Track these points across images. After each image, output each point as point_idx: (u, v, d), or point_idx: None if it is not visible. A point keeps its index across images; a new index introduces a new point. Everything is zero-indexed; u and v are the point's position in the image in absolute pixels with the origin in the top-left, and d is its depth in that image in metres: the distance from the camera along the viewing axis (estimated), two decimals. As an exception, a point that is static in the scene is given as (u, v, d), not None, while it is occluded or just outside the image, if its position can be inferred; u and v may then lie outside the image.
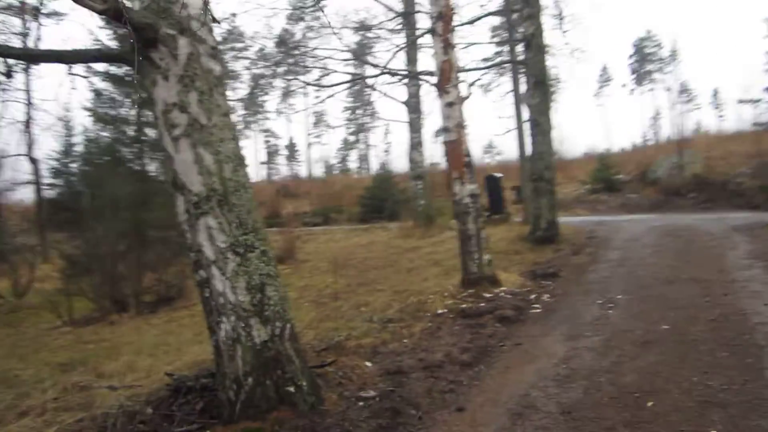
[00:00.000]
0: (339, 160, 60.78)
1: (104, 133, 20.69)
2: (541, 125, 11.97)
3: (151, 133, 19.01)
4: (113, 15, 3.77)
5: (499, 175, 18.15)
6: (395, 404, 3.99)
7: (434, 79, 8.20)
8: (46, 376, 4.92)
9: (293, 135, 64.90)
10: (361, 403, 4.04)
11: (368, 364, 4.89)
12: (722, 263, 8.25)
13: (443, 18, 7.83)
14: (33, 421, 3.69)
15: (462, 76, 10.95)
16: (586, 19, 50.85)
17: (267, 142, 66.02)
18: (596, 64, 64.50)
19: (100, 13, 3.78)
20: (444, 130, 7.94)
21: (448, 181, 8.07)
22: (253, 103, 60.64)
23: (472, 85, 10.68)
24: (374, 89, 14.42)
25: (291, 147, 65.33)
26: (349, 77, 16.85)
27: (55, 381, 4.56)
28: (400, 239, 15.13)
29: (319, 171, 53.93)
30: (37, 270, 12.78)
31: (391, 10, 14.36)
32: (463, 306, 6.66)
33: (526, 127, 12.67)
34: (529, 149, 12.68)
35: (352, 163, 61.98)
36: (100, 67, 18.40)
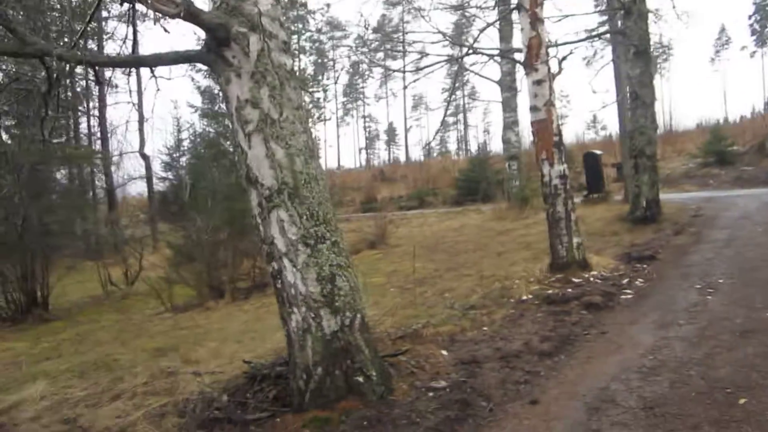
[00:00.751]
0: (437, 142, 60.72)
1: (209, 128, 21.84)
2: (641, 97, 11.30)
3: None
4: (186, 17, 3.91)
5: (598, 152, 17.36)
6: (466, 395, 3.93)
7: (522, 56, 7.92)
8: (140, 360, 5.24)
9: (393, 119, 65.31)
10: (431, 394, 4.02)
11: (444, 352, 4.85)
12: None
13: (530, -8, 7.55)
14: (124, 404, 3.96)
15: (553, 51, 10.48)
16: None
17: (367, 127, 67.13)
18: (713, 26, 60.29)
19: (173, 16, 3.93)
20: (532, 108, 7.67)
21: (537, 161, 7.79)
22: (353, 90, 61.80)
23: (563, 60, 10.16)
24: (466, 69, 14.09)
25: (390, 131, 65.96)
26: (444, 59, 16.62)
27: (147, 366, 4.85)
28: (493, 221, 14.88)
29: (418, 154, 54.08)
30: (146, 260, 13.63)
31: None
32: (549, 292, 6.44)
33: (628, 100, 11.94)
34: (630, 124, 11.99)
35: (451, 145, 61.70)
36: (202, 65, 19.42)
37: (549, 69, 7.59)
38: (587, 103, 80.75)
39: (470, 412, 3.76)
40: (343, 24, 48.73)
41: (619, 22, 13.44)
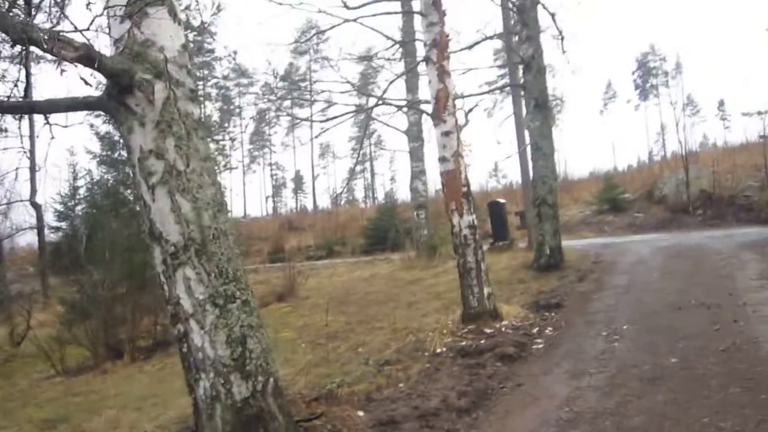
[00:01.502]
0: (345, 191, 60.82)
1: (108, 176, 20.76)
2: (542, 149, 11.79)
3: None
4: (86, 62, 3.65)
5: (502, 200, 17.93)
6: (386, 460, 3.77)
7: (430, 108, 8.06)
8: (25, 436, 4.72)
9: (300, 167, 65.06)
10: (350, 460, 3.82)
11: (360, 413, 4.66)
12: (732, 285, 7.98)
13: (438, 45, 7.73)
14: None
15: (459, 103, 10.80)
16: (587, 35, 51.27)
17: (274, 175, 66.47)
18: (600, 81, 64.78)
19: (71, 60, 3.66)
20: (441, 159, 7.78)
21: (446, 211, 7.87)
22: (259, 137, 61.21)
23: (470, 111, 10.49)
24: (375, 119, 14.25)
25: (298, 179, 65.58)
26: (351, 108, 16.75)
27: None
28: (403, 271, 14.91)
29: (325, 202, 53.96)
30: (35, 318, 12.61)
31: (389, 38, 14.27)
32: (463, 344, 6.42)
33: (529, 151, 12.44)
34: (531, 173, 12.48)
35: (359, 193, 62.05)
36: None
37: (456, 120, 7.76)
38: (489, 153, 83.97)
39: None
40: (251, 71, 48.61)
41: (520, 76, 14.11)
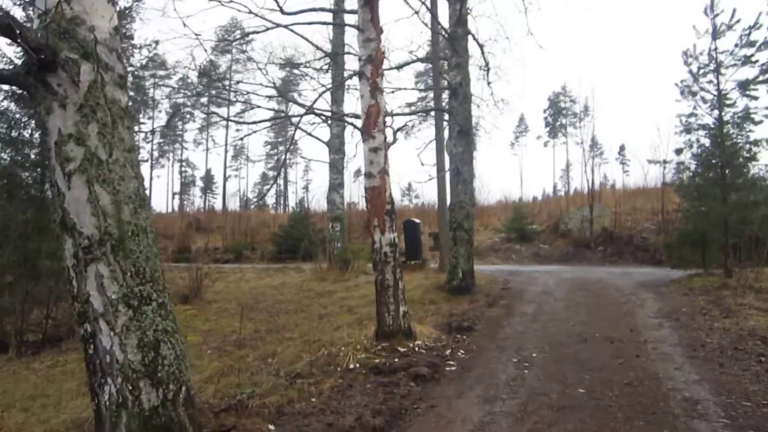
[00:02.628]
0: (256, 195, 59.74)
1: (3, 155, 19.33)
2: (462, 174, 12.01)
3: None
4: (6, 32, 3.35)
5: (417, 221, 18.15)
6: (298, 480, 3.63)
7: (360, 122, 8.01)
8: None
9: (211, 167, 63.46)
10: (259, 479, 3.65)
11: (271, 427, 4.50)
12: (633, 321, 8.37)
13: (373, 61, 7.70)
14: None
15: (388, 120, 10.84)
16: (510, 72, 53.06)
17: (183, 172, 64.42)
18: (514, 114, 67.45)
19: (-14, 29, 3.36)
20: (367, 175, 7.72)
21: (368, 227, 7.82)
22: (171, 132, 59.14)
23: (398, 131, 10.54)
24: (298, 128, 14.08)
25: (208, 178, 63.83)
26: (271, 113, 16.52)
27: None
28: (314, 282, 14.74)
29: (235, 205, 52.79)
30: None
31: (319, 49, 14.25)
32: (377, 361, 6.35)
33: (449, 175, 12.64)
34: (449, 197, 12.69)
35: (270, 199, 61.09)
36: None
37: (385, 138, 7.74)
38: (404, 171, 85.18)
39: (301, 498, 3.46)
40: (169, 64, 46.96)
41: (444, 100, 14.35)
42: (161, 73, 48.93)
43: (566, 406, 4.85)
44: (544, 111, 64.07)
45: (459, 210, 11.94)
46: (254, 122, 11.65)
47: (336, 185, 18.78)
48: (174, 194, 62.45)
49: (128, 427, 3.35)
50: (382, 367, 6.13)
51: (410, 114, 11.89)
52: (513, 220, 23.76)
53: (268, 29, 9.17)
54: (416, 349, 6.94)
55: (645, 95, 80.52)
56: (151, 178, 58.05)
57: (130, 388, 3.38)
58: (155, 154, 61.09)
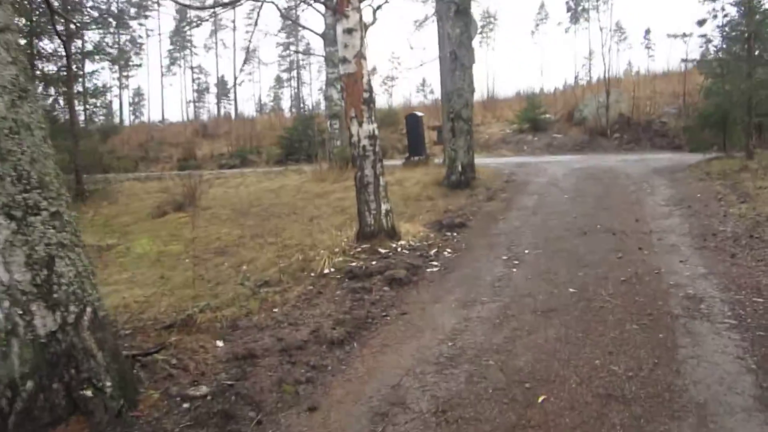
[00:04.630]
0: (272, 99, 58.38)
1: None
2: (460, 59, 11.01)
3: None
4: None
5: (420, 114, 17.17)
6: (229, 405, 3.15)
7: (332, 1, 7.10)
8: None
9: (224, 72, 61.89)
10: (186, 405, 3.18)
11: (219, 344, 4.03)
12: (640, 211, 7.72)
13: (344, -74, 6.71)
14: None
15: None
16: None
17: (196, 79, 63.02)
18: (533, 2, 64.11)
19: None
20: (341, 60, 6.91)
21: (345, 118, 7.12)
22: (180, 38, 57.25)
23: (378, 9, 9.54)
24: (289, 18, 13.03)
25: (221, 84, 62.36)
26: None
27: None
28: (313, 183, 14.16)
29: (250, 110, 51.79)
30: None
31: None
32: (353, 264, 5.83)
33: (444, 61, 11.66)
34: (448, 86, 11.75)
35: (285, 103, 59.78)
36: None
37: (361, 17, 6.86)
38: (417, 66, 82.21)
39: (232, 427, 2.99)
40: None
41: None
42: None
43: (552, 309, 4.31)
44: (566, -5, 60.58)
45: (457, 98, 11.04)
46: (219, 4, 10.41)
47: (333, 80, 17.74)
48: (188, 102, 61.50)
49: (20, 356, 2.86)
50: (357, 271, 5.61)
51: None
52: (526, 111, 22.61)
53: None
54: (399, 249, 6.39)
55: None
56: (162, 87, 57.06)
57: (20, 312, 2.87)
58: (165, 61, 59.70)
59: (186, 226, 11.14)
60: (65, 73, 17.02)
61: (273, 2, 11.99)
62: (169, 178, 16.99)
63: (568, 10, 60.19)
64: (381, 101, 38.21)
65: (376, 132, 6.87)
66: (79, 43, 18.58)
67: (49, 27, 16.77)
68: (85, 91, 17.63)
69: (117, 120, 47.79)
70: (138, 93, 64.23)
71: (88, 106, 18.69)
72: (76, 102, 17.40)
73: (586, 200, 8.89)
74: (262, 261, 6.63)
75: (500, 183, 11.25)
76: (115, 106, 55.63)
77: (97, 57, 18.01)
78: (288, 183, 15.17)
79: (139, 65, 45.04)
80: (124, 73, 59.42)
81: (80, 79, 17.88)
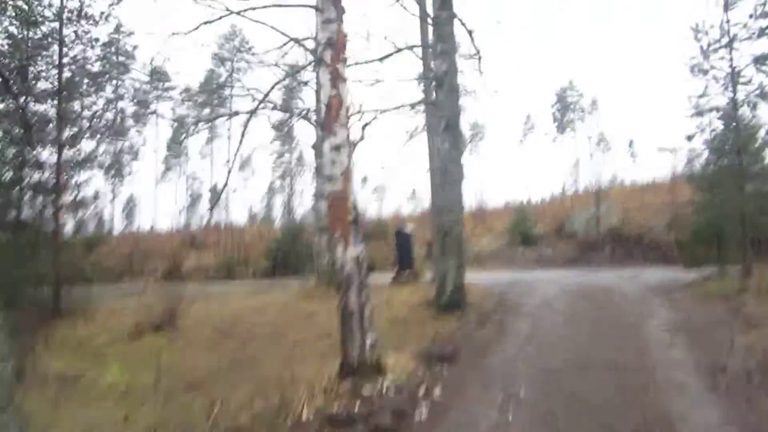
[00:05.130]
0: (263, 208, 58.68)
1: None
2: (450, 173, 10.91)
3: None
4: None
5: (409, 230, 17.01)
6: None
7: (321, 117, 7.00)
8: None
9: (217, 181, 62.63)
10: None
11: None
12: (640, 339, 7.29)
13: (333, 46, 6.67)
14: None
15: (359, 115, 9.87)
16: (508, 65, 51.77)
17: (189, 186, 63.61)
18: (520, 112, 66.36)
19: None
20: (328, 178, 6.69)
21: (330, 240, 6.81)
22: (176, 145, 58.27)
23: (367, 125, 9.50)
24: (279, 131, 13.03)
25: (214, 192, 62.71)
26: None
27: None
28: (300, 301, 13.70)
29: (242, 218, 51.88)
30: None
31: (284, 35, 12.91)
32: (334, 410, 5.31)
33: (433, 175, 11.56)
34: (438, 201, 11.58)
35: (278, 211, 60.01)
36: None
37: (349, 134, 6.72)
38: (408, 176, 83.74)
39: None
40: (170, 75, 45.97)
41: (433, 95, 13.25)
42: (165, 84, 48.12)
43: (555, 470, 3.80)
44: (552, 106, 62.71)
45: (447, 214, 10.81)
46: (200, 121, 10.47)
47: (322, 193, 17.69)
48: (181, 210, 61.75)
49: None
50: (338, 418, 5.09)
51: (391, 110, 10.77)
52: (515, 224, 22.67)
53: (222, 17, 8.17)
54: (384, 389, 5.86)
55: (658, 84, 78.05)
56: (156, 195, 57.39)
57: None
58: (161, 167, 60.50)
59: (161, 350, 10.57)
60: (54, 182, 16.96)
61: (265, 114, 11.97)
62: (152, 293, 16.46)
63: (554, 120, 62.51)
64: (371, 211, 38.42)
65: (363, 255, 6.53)
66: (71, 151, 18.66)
67: (42, 135, 16.94)
68: (75, 201, 17.46)
69: (108, 228, 47.85)
70: (131, 200, 64.82)
71: (77, 216, 18.49)
72: (62, 212, 17.21)
73: (582, 324, 8.48)
74: (237, 400, 6.08)
75: (492, 304, 10.85)
76: (108, 213, 56.05)
77: (88, 165, 17.98)
78: (274, 300, 14.70)
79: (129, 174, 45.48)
80: (118, 180, 60.36)
81: (70, 189, 17.76)
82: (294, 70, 12.60)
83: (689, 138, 12.64)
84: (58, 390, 8.61)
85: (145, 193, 62.18)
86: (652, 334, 7.47)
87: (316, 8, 6.94)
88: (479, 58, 12.07)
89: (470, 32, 11.46)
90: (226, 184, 9.95)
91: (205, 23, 8.26)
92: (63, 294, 16.95)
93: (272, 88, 11.25)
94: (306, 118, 9.50)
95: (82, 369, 9.56)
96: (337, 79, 6.66)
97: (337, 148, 6.58)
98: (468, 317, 9.65)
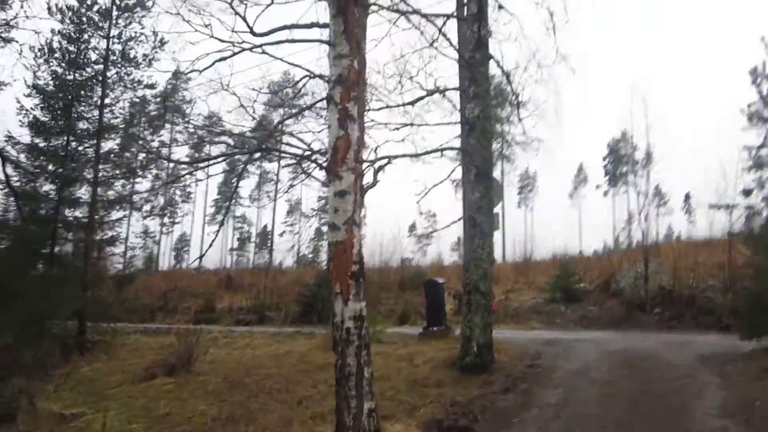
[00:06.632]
0: (310, 251, 58.81)
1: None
2: (479, 225, 10.15)
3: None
4: None
5: (440, 280, 16.18)
6: None
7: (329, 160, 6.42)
8: None
9: (267, 222, 63.50)
10: None
11: None
12: (687, 424, 6.26)
13: (344, 83, 6.17)
14: None
15: (382, 159, 9.29)
16: (562, 115, 50.68)
17: (239, 228, 64.66)
18: (572, 164, 65.16)
19: None
20: (331, 227, 6.08)
21: (330, 294, 6.15)
22: (227, 188, 59.41)
23: (380, 170, 8.89)
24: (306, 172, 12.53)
25: (263, 234, 63.49)
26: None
27: None
28: (320, 351, 12.93)
29: (290, 261, 51.88)
30: None
31: (302, 68, 12.33)
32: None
33: (463, 226, 10.80)
34: (466, 253, 10.76)
35: (323, 255, 59.89)
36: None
37: (356, 179, 6.12)
38: (444, 227, 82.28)
39: None
40: (223, 121, 46.93)
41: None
42: (216, 129, 49.13)
43: None
44: (604, 159, 61.59)
45: (475, 269, 10.02)
46: (195, 161, 10.00)
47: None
48: (230, 250, 62.51)
49: None
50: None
51: (417, 155, 10.13)
52: (558, 278, 21.41)
53: (234, 54, 7.77)
54: (379, 466, 5.11)
55: (716, 134, 75.43)
56: (203, 234, 58.28)
57: None
58: (211, 210, 61.74)
59: (167, 395, 10.01)
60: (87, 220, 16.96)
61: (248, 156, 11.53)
62: (176, 333, 16.05)
63: (606, 173, 61.07)
64: (412, 260, 37.65)
65: (364, 312, 5.85)
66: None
67: (78, 174, 17.03)
68: (101, 240, 17.41)
69: (158, 265, 48.45)
70: (182, 239, 66.03)
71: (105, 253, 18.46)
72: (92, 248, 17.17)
73: (620, 400, 7.46)
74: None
75: (522, 367, 9.87)
76: (158, 249, 56.96)
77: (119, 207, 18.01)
78: (294, 349, 14.06)
79: (150, 215, 46.24)
80: (170, 220, 61.62)
81: (102, 226, 17.77)
82: (300, 108, 12.15)
83: (746, 193, 11.59)
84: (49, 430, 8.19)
85: (196, 232, 63.35)
86: (701, 419, 6.41)
87: (329, 43, 6.46)
88: (518, 104, 11.38)
89: (507, 74, 10.83)
90: (218, 231, 9.43)
91: (220, 60, 7.89)
92: (87, 330, 16.77)
93: (278, 124, 10.75)
94: (312, 160, 8.86)
95: (80, 411, 9.11)
96: (345, 118, 6.12)
97: (341, 194, 6.00)
98: (493, 381, 8.73)
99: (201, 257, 25.80)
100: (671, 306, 17.93)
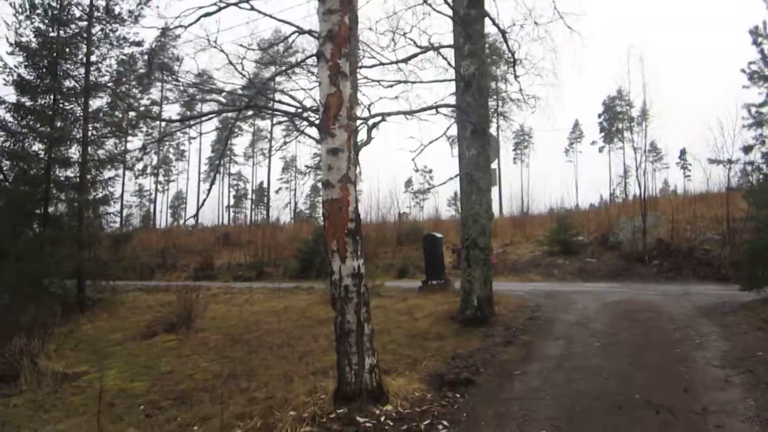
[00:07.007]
0: (308, 207, 58.91)
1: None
2: (477, 182, 10.04)
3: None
4: None
5: (438, 235, 16.13)
6: None
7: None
8: None
9: (263, 179, 63.36)
10: None
11: None
12: (688, 373, 6.25)
13: (334, 39, 5.93)
14: None
15: (375, 116, 9.05)
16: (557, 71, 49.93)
17: (234, 185, 64.57)
18: (568, 119, 64.92)
19: None
20: (325, 184, 5.93)
21: (326, 252, 6.05)
22: (221, 147, 58.99)
23: (374, 127, 8.68)
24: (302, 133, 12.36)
25: (260, 191, 63.50)
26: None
27: None
28: (319, 305, 12.97)
29: (286, 217, 51.98)
30: None
31: (291, 24, 12.07)
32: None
33: (460, 182, 10.68)
34: (464, 209, 10.66)
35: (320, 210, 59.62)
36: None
37: (350, 136, 5.94)
38: (440, 184, 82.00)
39: None
40: (214, 79, 46.20)
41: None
42: (208, 87, 48.41)
43: None
44: (599, 116, 61.39)
45: (473, 224, 9.95)
46: (184, 119, 9.81)
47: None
48: (226, 208, 62.58)
49: None
50: (320, 453, 4.34)
51: (410, 112, 9.87)
52: (556, 231, 21.44)
53: (220, 9, 7.50)
54: (383, 418, 5.09)
55: (714, 88, 74.66)
56: (199, 192, 58.18)
57: None
58: (205, 167, 61.54)
59: (169, 352, 10.06)
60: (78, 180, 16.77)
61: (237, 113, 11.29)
62: (176, 291, 16.08)
63: (602, 130, 60.83)
64: (409, 215, 37.74)
65: (362, 269, 5.75)
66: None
67: (68, 134, 16.75)
68: (95, 199, 17.25)
69: (155, 223, 48.36)
70: (178, 197, 65.99)
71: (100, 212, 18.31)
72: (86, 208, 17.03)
73: (621, 351, 7.48)
74: (223, 419, 5.39)
75: (522, 320, 9.90)
76: (155, 207, 56.99)
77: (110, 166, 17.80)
78: (294, 304, 14.09)
79: (142, 174, 45.83)
80: (165, 178, 61.42)
81: (95, 185, 17.58)
82: (288, 65, 11.77)
83: (746, 149, 11.46)
84: (51, 392, 8.18)
85: (191, 190, 63.26)
86: (703, 369, 6.41)
87: (318, -2, 6.20)
88: (514, 62, 11.14)
89: (503, 32, 10.57)
90: (209, 189, 9.26)
91: (205, 15, 7.62)
92: (88, 288, 16.79)
93: (268, 79, 10.48)
94: (304, 118, 8.63)
95: (83, 370, 9.13)
96: (337, 75, 5.90)
97: (334, 152, 5.82)
98: (493, 334, 8.75)
99: (195, 216, 25.70)
100: (670, 258, 18.01)
